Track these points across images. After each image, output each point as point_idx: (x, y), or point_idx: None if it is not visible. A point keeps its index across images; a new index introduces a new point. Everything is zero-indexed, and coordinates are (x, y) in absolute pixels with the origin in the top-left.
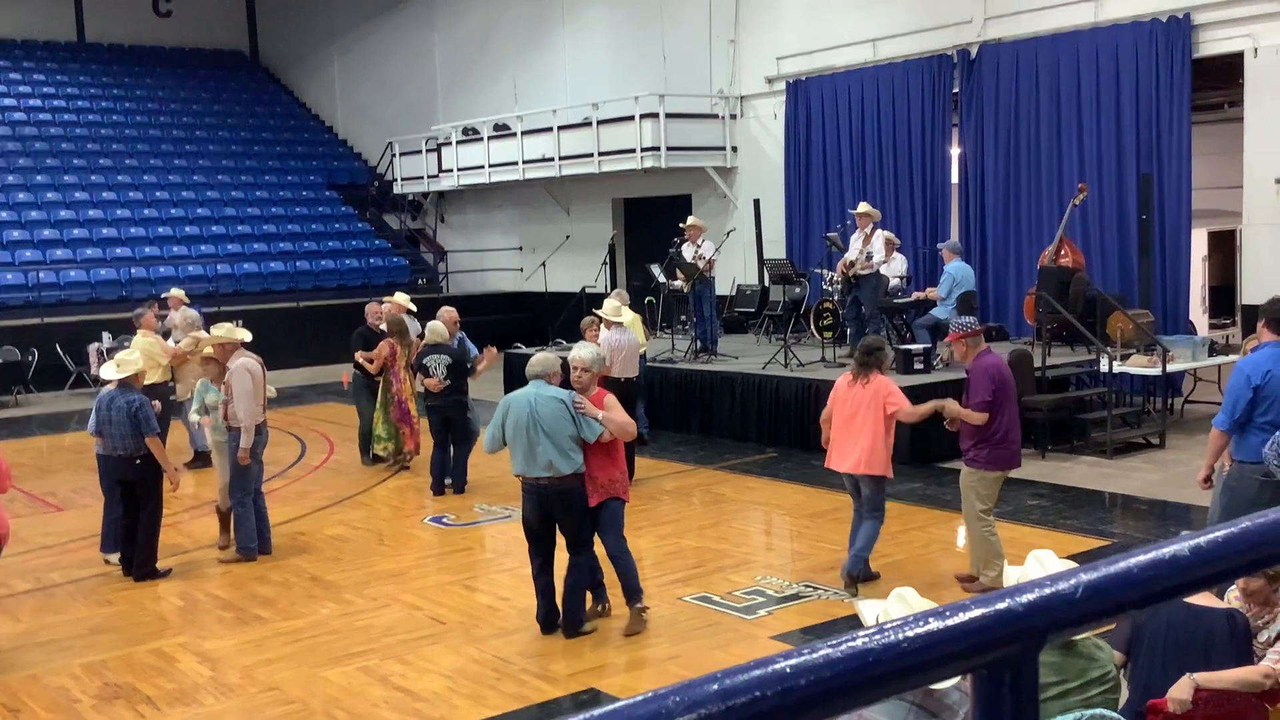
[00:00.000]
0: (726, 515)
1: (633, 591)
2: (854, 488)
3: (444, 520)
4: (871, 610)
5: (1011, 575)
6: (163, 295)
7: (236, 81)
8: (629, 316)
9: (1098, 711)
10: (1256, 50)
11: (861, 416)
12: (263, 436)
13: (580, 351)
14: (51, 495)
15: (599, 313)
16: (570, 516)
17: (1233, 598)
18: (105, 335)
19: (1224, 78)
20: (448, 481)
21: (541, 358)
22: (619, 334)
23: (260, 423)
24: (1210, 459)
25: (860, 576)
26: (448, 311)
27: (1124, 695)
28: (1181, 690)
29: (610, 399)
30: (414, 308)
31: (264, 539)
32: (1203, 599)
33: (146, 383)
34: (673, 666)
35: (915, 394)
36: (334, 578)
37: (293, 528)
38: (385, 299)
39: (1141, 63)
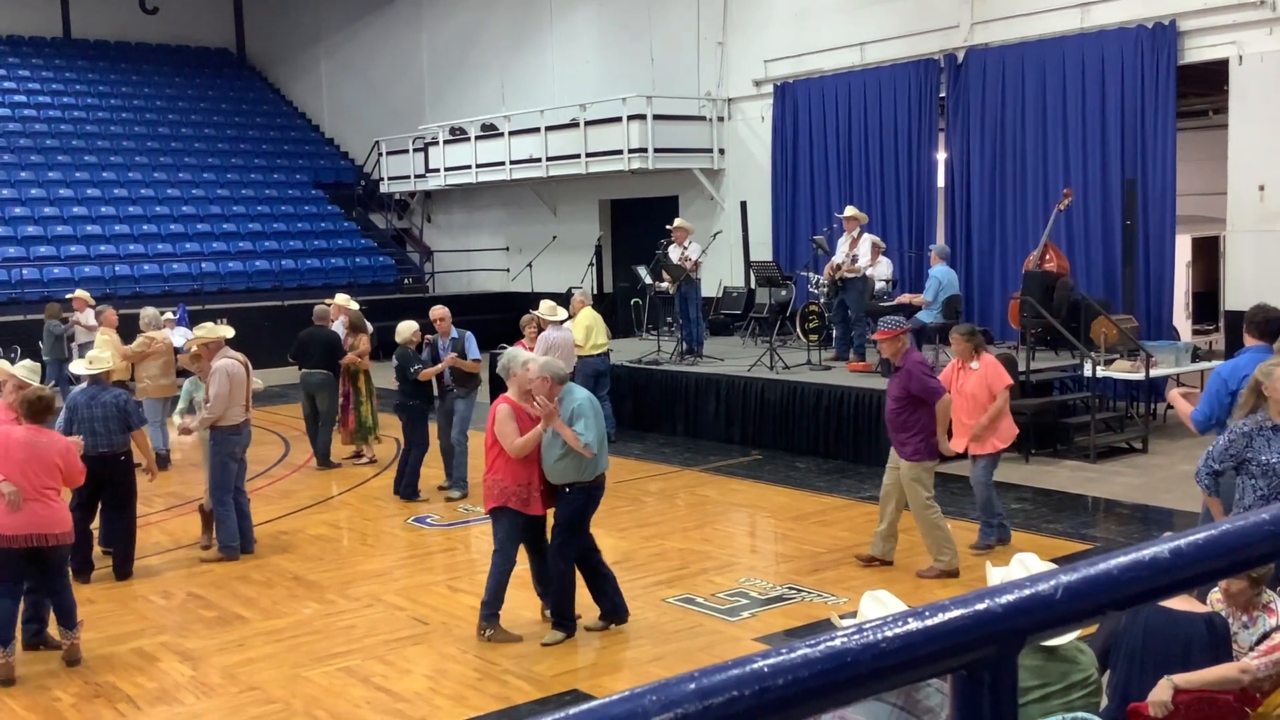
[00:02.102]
0: (710, 517)
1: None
2: None
3: (428, 520)
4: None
5: (995, 576)
6: (66, 296)
7: (223, 79)
8: (590, 318)
9: (1079, 715)
10: (1241, 57)
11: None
12: (243, 436)
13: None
14: None
15: (536, 312)
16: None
17: (1214, 599)
18: None
19: (1209, 84)
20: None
21: (552, 362)
22: (555, 332)
23: (242, 422)
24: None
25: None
26: (435, 310)
27: (1102, 703)
28: (1161, 692)
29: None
30: (355, 305)
31: (246, 538)
32: (1183, 603)
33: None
34: (655, 668)
35: None
36: (316, 577)
37: (275, 527)
38: (329, 301)
39: (1127, 69)
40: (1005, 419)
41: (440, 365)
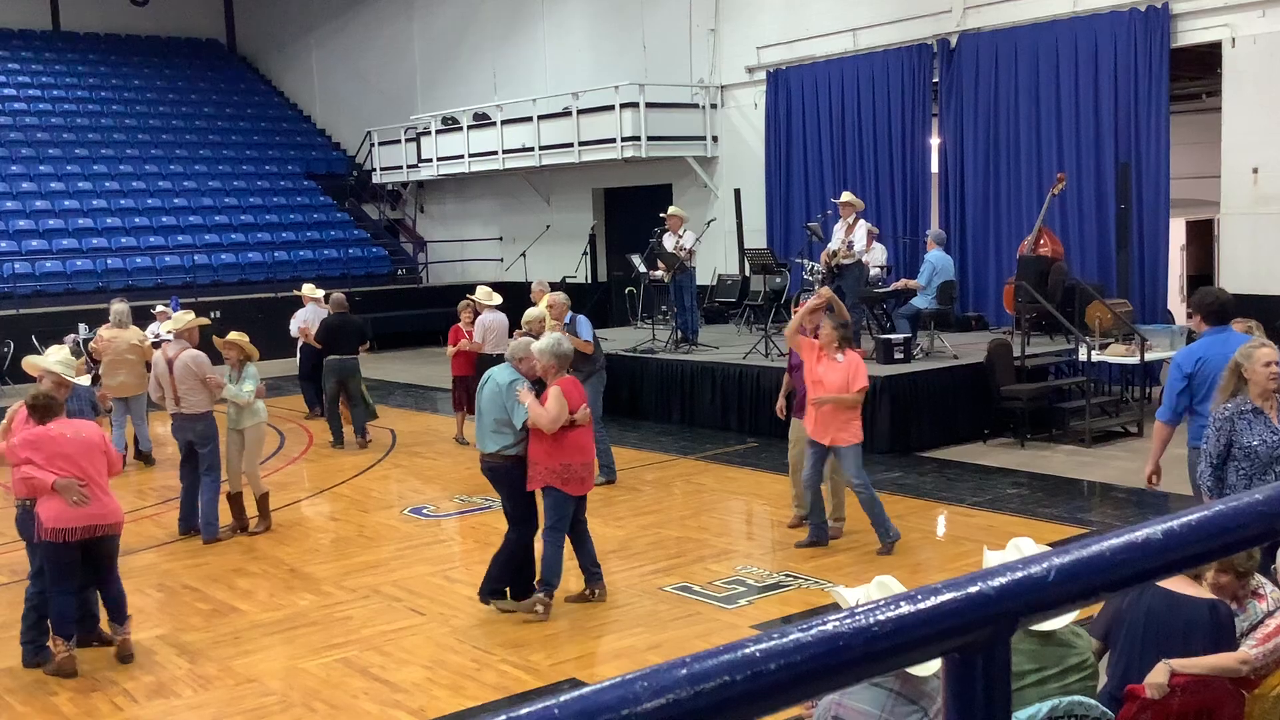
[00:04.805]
0: (707, 505)
1: (541, 581)
2: None
3: (424, 511)
4: (852, 596)
5: (992, 560)
6: None
7: (213, 71)
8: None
9: (1075, 699)
10: (1234, 40)
11: None
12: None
13: (536, 343)
14: None
15: (472, 297)
16: (502, 493)
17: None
18: (82, 327)
19: (1202, 67)
20: None
21: (516, 343)
22: (490, 316)
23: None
24: (1155, 453)
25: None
26: (551, 296)
27: (1101, 682)
28: (1158, 675)
29: (554, 391)
30: (321, 293)
31: (204, 522)
32: (1187, 586)
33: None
34: (653, 656)
35: (898, 382)
36: (313, 569)
37: (272, 519)
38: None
39: (1120, 52)
40: (856, 418)
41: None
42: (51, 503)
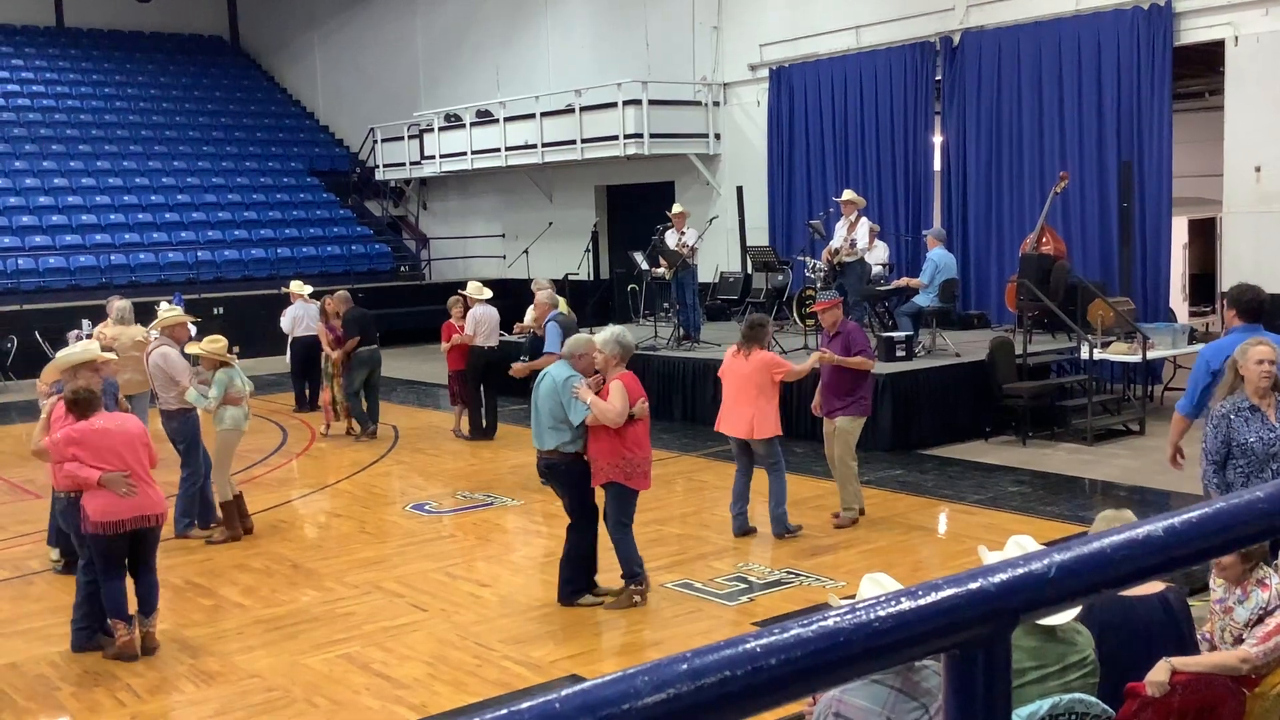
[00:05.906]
0: (709, 502)
1: (626, 575)
2: (741, 449)
3: (426, 508)
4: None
5: (988, 559)
6: None
7: (217, 67)
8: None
9: (1076, 696)
10: (1237, 39)
11: (745, 387)
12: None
13: (597, 336)
14: (30, 483)
15: (463, 293)
16: (560, 491)
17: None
18: (85, 322)
19: (1205, 66)
20: None
21: (573, 339)
22: (481, 309)
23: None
24: (1173, 440)
25: (787, 532)
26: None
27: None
28: (1159, 673)
29: (616, 386)
30: (309, 289)
31: (175, 520)
32: (1135, 588)
33: None
34: (654, 653)
35: (900, 379)
36: (315, 565)
37: (274, 515)
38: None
39: (1123, 51)
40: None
41: (525, 366)
42: (98, 497)
